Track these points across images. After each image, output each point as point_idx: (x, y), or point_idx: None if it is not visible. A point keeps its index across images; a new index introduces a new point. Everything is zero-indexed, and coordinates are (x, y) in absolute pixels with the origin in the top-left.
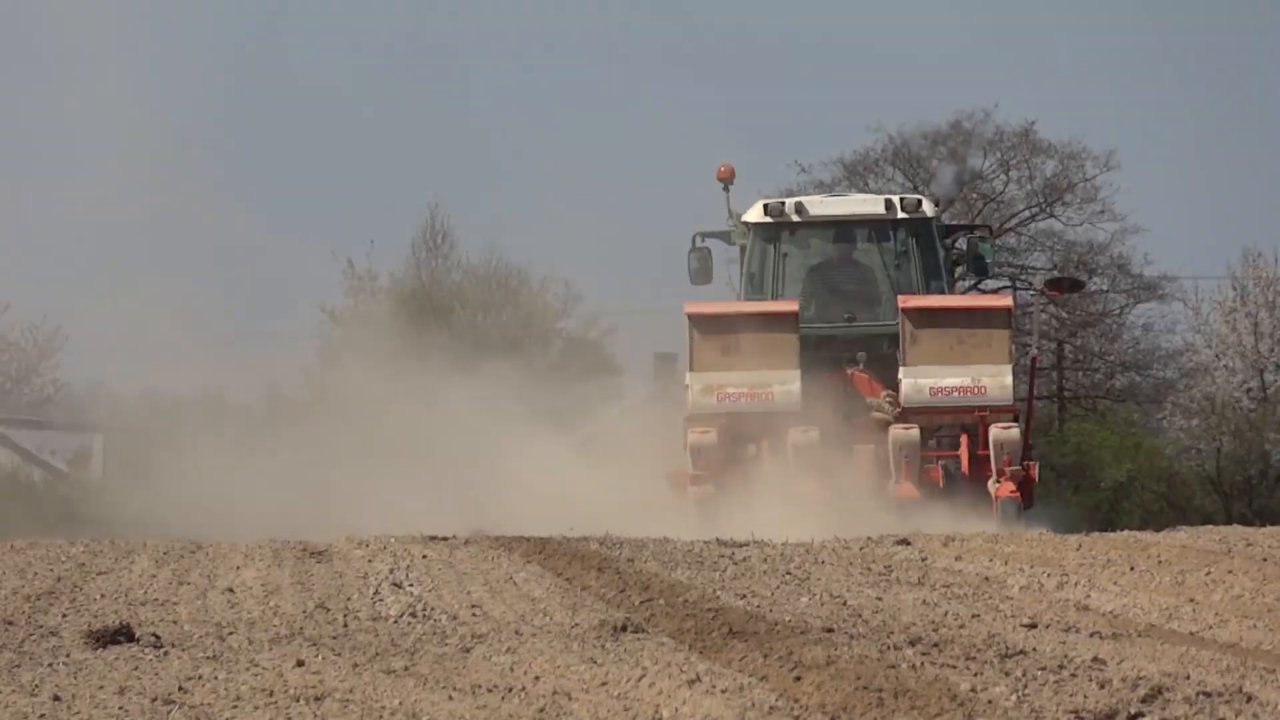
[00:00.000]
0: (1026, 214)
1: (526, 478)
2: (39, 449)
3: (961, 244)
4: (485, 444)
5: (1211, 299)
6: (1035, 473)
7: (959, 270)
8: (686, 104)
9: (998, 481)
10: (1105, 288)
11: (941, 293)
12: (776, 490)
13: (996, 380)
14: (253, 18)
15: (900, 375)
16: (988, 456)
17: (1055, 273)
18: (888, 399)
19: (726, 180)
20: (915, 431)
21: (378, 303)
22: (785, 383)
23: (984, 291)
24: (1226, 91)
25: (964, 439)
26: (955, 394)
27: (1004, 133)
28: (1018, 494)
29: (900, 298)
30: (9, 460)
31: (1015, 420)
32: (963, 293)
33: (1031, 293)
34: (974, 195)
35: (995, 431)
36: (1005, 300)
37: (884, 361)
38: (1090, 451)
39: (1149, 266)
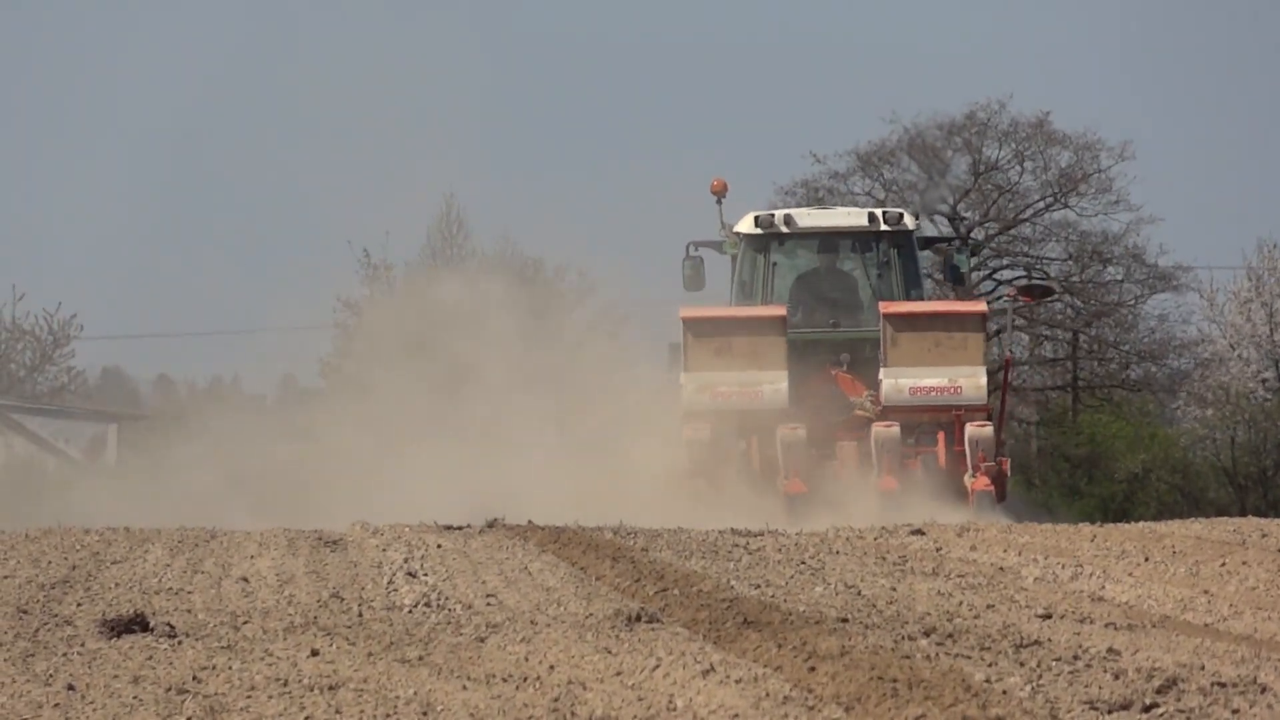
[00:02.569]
0: (1041, 205)
1: (538, 468)
2: (54, 437)
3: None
4: (498, 434)
5: (1227, 289)
6: (1008, 467)
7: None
8: (696, 100)
9: (973, 476)
10: (1120, 278)
11: (921, 299)
12: (766, 483)
13: (972, 381)
14: (268, 10)
15: (881, 376)
16: (963, 452)
17: (1070, 263)
18: (870, 398)
19: (719, 194)
20: (896, 429)
21: (393, 292)
22: (774, 382)
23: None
24: (1242, 82)
25: (941, 436)
26: (933, 393)
27: (1019, 123)
28: (992, 487)
29: (881, 304)
30: (24, 448)
31: (989, 418)
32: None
33: (1005, 298)
34: (989, 186)
35: (970, 429)
36: (980, 305)
37: (866, 363)
38: (1105, 442)
39: (1164, 257)
